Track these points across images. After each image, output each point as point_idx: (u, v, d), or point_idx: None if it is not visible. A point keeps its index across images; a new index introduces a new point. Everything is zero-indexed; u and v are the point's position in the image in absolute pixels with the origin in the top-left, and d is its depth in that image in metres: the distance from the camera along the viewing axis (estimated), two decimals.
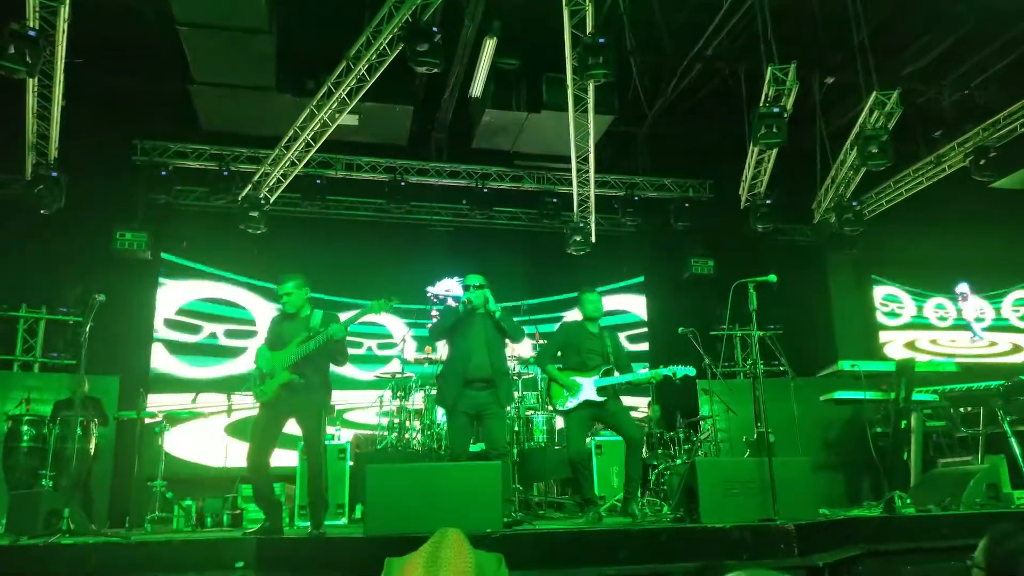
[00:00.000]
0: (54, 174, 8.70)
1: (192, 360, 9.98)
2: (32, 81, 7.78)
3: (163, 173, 9.95)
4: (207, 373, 9.90)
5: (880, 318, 11.59)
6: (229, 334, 10.13)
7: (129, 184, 9.89)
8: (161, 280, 10.17)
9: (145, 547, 4.49)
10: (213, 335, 10.15)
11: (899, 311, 11.73)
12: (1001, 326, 12.04)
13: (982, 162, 9.33)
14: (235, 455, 8.05)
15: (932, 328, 11.78)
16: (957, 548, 4.42)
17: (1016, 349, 11.91)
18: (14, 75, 7.24)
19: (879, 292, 11.70)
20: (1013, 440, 6.02)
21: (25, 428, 6.80)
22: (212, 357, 10.00)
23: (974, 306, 12.00)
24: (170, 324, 10.08)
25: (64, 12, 7.30)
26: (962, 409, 6.84)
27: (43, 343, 9.33)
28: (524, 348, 8.19)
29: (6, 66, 7.03)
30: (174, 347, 10.00)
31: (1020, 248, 11.56)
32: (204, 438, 9.41)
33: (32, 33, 7.12)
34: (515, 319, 5.83)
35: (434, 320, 8.30)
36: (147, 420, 7.69)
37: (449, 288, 10.81)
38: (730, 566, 2.05)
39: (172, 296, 10.18)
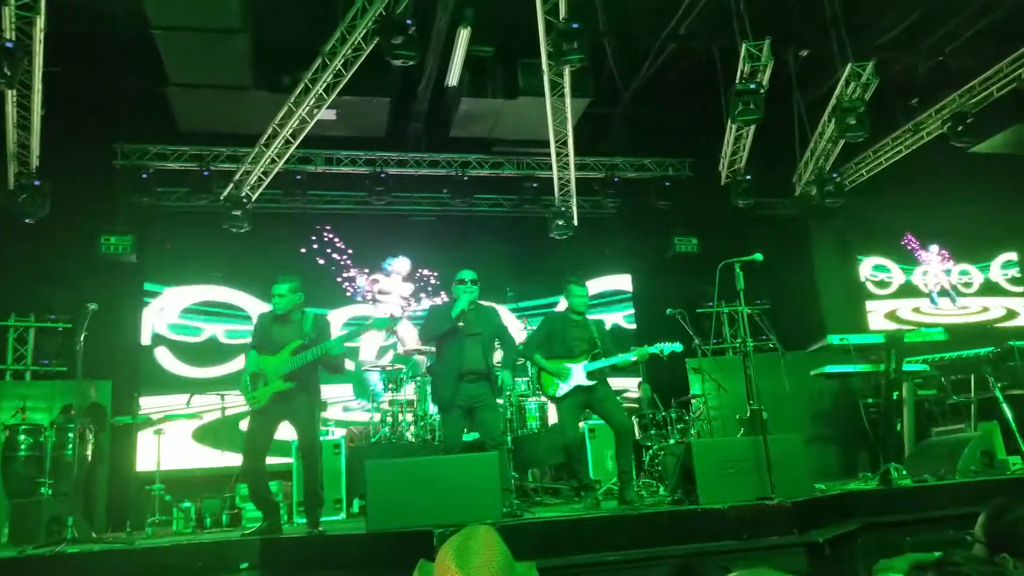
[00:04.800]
0: (37, 182, 8.58)
1: (196, 361, 9.89)
2: (11, 92, 7.65)
3: (144, 176, 9.80)
4: (211, 373, 9.78)
5: (871, 288, 11.56)
6: (229, 334, 10.00)
7: (111, 188, 9.74)
8: (157, 287, 10.02)
9: (150, 553, 4.51)
10: (214, 336, 10.04)
11: (888, 280, 11.70)
12: (992, 291, 11.99)
13: (960, 128, 9.28)
14: (230, 454, 8.00)
15: (920, 296, 11.77)
16: (955, 517, 4.43)
17: (1011, 314, 11.87)
18: None
19: (868, 263, 11.67)
20: (1005, 405, 6.03)
21: (22, 437, 6.77)
22: (215, 357, 9.89)
23: (936, 271, 11.96)
24: (173, 327, 9.98)
25: (40, 22, 7.15)
26: (953, 377, 6.85)
27: (33, 351, 9.19)
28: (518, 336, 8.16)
29: None
30: (178, 349, 9.92)
31: (1002, 212, 11.56)
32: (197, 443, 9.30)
33: (9, 45, 6.98)
34: (506, 306, 5.79)
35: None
36: (142, 424, 7.65)
37: (401, 271, 10.67)
38: (710, 566, 2.02)
39: (172, 299, 10.06)
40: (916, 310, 11.69)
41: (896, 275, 11.73)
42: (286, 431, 5.27)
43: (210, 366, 9.84)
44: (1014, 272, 12.06)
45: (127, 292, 9.82)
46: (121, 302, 9.57)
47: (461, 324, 5.27)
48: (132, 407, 7.95)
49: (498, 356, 5.80)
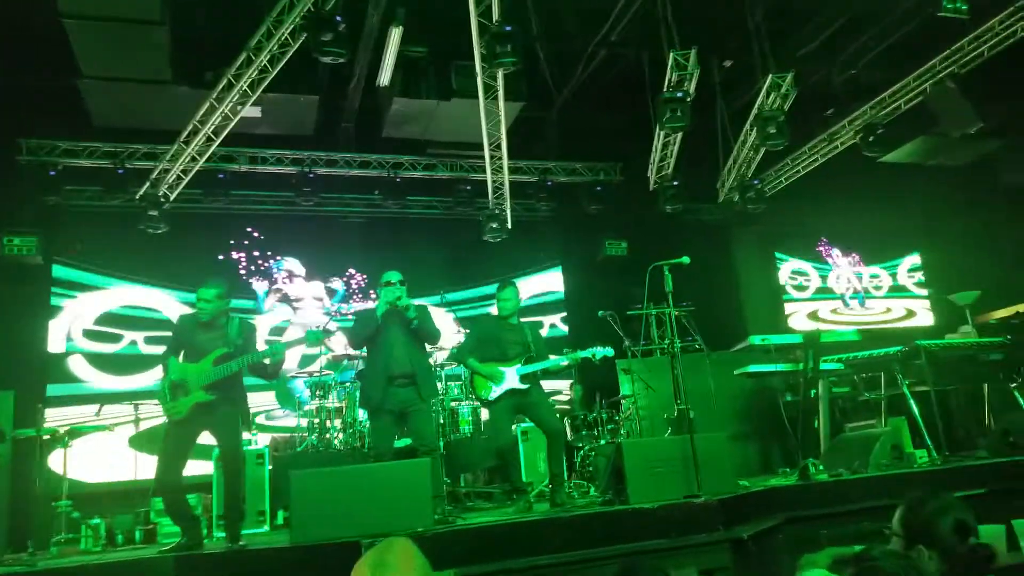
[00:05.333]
0: None
1: (114, 370, 9.38)
2: None
3: (52, 173, 9.22)
4: (131, 383, 9.28)
5: (789, 291, 11.99)
6: (150, 340, 9.53)
7: (15, 186, 9.16)
8: (65, 292, 9.48)
9: (54, 574, 4.19)
10: (134, 343, 9.55)
11: (806, 284, 12.16)
12: (898, 294, 12.59)
13: (871, 138, 9.70)
14: (144, 467, 7.63)
15: (834, 298, 12.25)
16: (868, 509, 4.61)
17: (910, 314, 12.54)
18: None
19: (787, 267, 12.10)
20: (912, 402, 6.31)
21: None
22: (134, 366, 9.39)
23: (848, 274, 12.49)
24: (89, 334, 9.45)
25: None
26: (864, 375, 7.13)
27: None
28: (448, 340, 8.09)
29: None
30: (95, 358, 9.38)
31: (909, 218, 12.20)
32: (110, 452, 8.80)
33: None
34: (441, 308, 5.72)
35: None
36: (47, 437, 7.20)
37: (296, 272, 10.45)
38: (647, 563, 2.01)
39: (88, 305, 9.53)
40: (834, 311, 12.19)
41: (813, 278, 12.22)
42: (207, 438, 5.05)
43: (129, 375, 9.38)
44: (919, 275, 12.72)
45: (32, 297, 9.29)
46: (26, 307, 9.10)
47: (397, 307, 5.15)
48: (36, 419, 7.50)
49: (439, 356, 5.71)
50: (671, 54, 8.54)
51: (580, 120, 11.05)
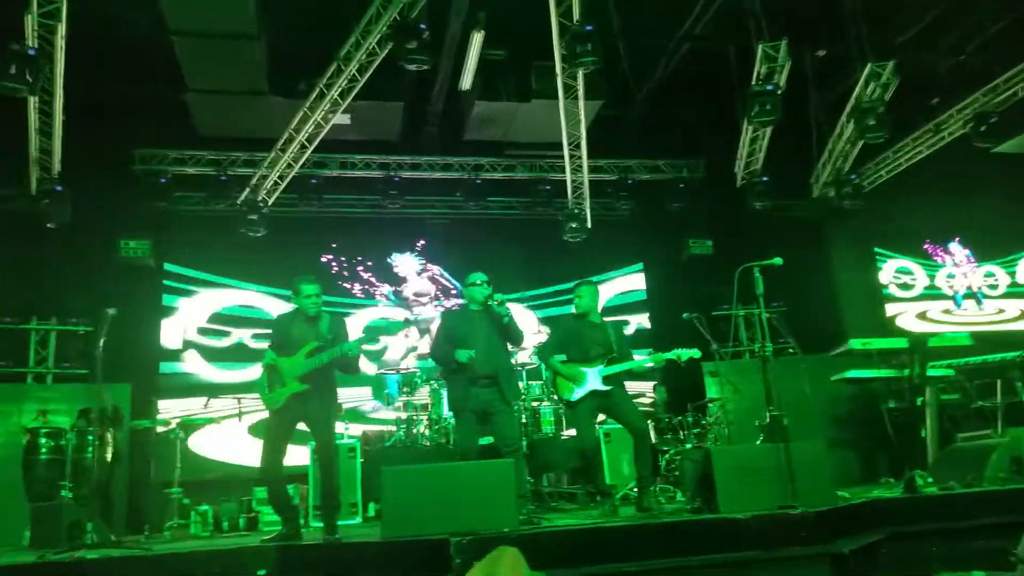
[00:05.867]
0: (58, 188, 8.64)
1: (224, 364, 9.97)
2: (33, 99, 7.70)
3: (162, 181, 9.82)
4: (240, 376, 9.79)
5: (893, 291, 11.35)
6: (256, 337, 10.02)
7: (130, 193, 9.77)
8: (176, 290, 10.08)
9: (167, 559, 4.42)
10: (241, 340, 10.09)
11: (912, 283, 11.47)
12: (1018, 288, 11.74)
13: (983, 128, 9.09)
14: (248, 457, 7.99)
15: (944, 298, 11.54)
16: (984, 527, 4.28)
17: None
18: (16, 95, 7.18)
19: (891, 265, 11.45)
20: None
21: (43, 440, 6.76)
22: (242, 360, 9.91)
23: (961, 273, 11.72)
24: (202, 331, 10.07)
25: (62, 29, 7.20)
26: (977, 381, 6.67)
27: (55, 354, 9.25)
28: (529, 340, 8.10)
29: (8, 86, 6.95)
30: (208, 353, 10.01)
31: None
32: (217, 442, 9.31)
33: (32, 52, 7.01)
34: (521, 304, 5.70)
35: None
36: (162, 428, 7.65)
37: (405, 268, 10.61)
38: None
39: (200, 304, 10.15)
40: (946, 312, 11.46)
41: (919, 277, 11.51)
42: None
43: (238, 369, 9.88)
44: None
45: (146, 296, 9.87)
46: (139, 306, 9.61)
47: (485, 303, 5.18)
48: (150, 411, 7.94)
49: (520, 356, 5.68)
50: (760, 46, 8.25)
51: (661, 116, 10.82)
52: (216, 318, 10.12)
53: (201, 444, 9.26)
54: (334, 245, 10.57)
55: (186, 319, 10.04)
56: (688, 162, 11.12)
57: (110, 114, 9.35)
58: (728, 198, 10.43)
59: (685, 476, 6.66)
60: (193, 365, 9.93)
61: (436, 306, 10.49)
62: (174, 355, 9.90)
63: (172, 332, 9.97)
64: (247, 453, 8.06)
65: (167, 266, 10.06)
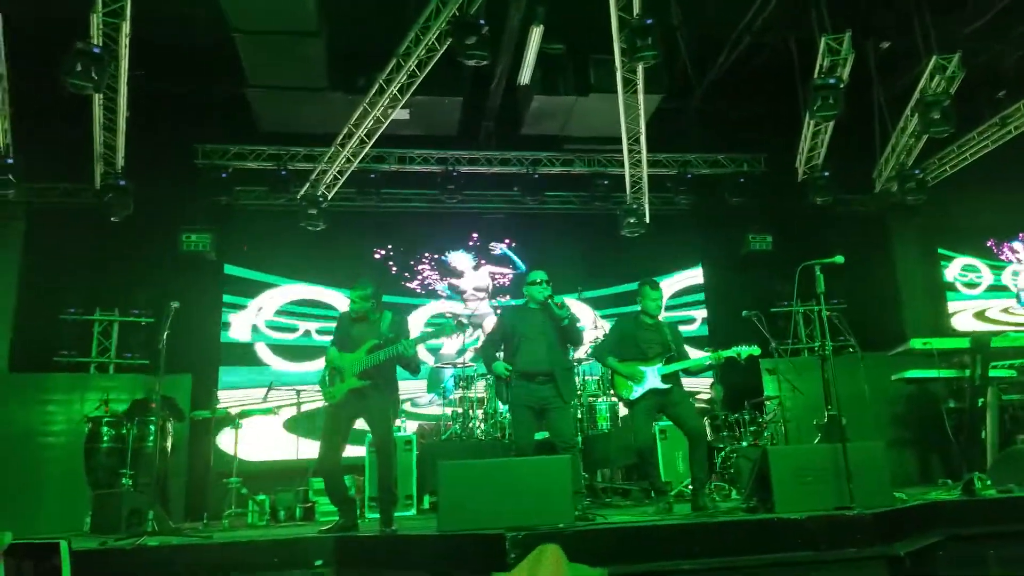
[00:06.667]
0: (122, 182, 8.96)
1: (291, 357, 10.31)
2: (98, 96, 7.98)
3: (223, 175, 10.12)
4: (307, 368, 10.13)
5: (959, 288, 11.11)
6: (321, 331, 10.31)
7: (192, 187, 10.09)
8: (242, 291, 10.44)
9: (228, 548, 4.56)
10: (308, 333, 10.41)
11: (977, 280, 11.22)
12: None
13: None
14: (305, 448, 8.22)
15: (1006, 296, 11.22)
16: None
17: None
18: (83, 92, 7.47)
19: (958, 263, 11.21)
20: None
21: (105, 429, 6.87)
22: (308, 353, 10.23)
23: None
24: (271, 325, 10.41)
25: (126, 27, 7.49)
26: None
27: (117, 344, 9.62)
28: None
29: (75, 83, 7.25)
30: (276, 347, 10.35)
31: None
32: (275, 432, 9.61)
33: (97, 50, 7.30)
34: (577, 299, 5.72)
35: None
36: (220, 418, 7.89)
37: (461, 264, 10.77)
38: None
39: (268, 300, 10.48)
40: (1006, 311, 11.16)
41: (985, 274, 11.23)
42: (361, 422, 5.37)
43: (304, 361, 10.21)
44: None
45: (206, 289, 10.18)
46: (201, 298, 9.89)
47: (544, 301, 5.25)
48: (210, 401, 8.19)
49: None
50: (823, 39, 8.15)
51: (722, 110, 10.79)
52: (283, 312, 10.43)
53: (257, 437, 9.55)
54: (391, 242, 10.78)
55: (255, 313, 10.38)
56: (748, 156, 11.05)
57: (173, 110, 9.73)
58: (789, 193, 10.35)
59: (741, 474, 6.68)
60: (264, 357, 10.26)
61: (490, 304, 10.63)
62: (243, 348, 10.20)
63: (242, 326, 10.31)
64: (302, 447, 8.28)
65: (228, 269, 10.36)
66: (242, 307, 10.34)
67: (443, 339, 6.33)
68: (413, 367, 5.29)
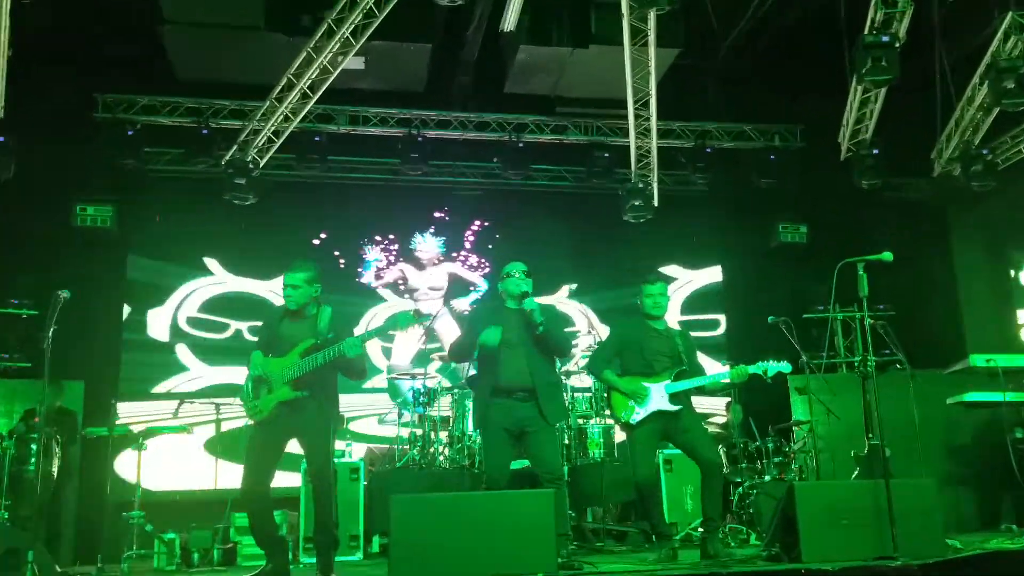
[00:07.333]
0: (1, 138, 8.82)
1: (217, 361, 10.32)
2: None
3: (130, 133, 10.00)
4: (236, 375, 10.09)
5: None
6: (252, 331, 10.24)
7: (90, 147, 9.96)
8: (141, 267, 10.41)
9: None
10: (239, 332, 10.44)
11: None
12: None
13: None
14: (225, 475, 8.18)
15: None
16: None
17: None
18: None
19: None
20: None
21: None
22: (241, 356, 10.16)
23: None
24: (192, 322, 10.40)
25: None
26: None
27: None
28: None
29: None
30: (199, 347, 10.35)
31: None
32: (188, 456, 9.55)
33: None
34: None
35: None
36: (120, 437, 7.80)
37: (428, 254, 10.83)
38: None
39: (194, 290, 10.49)
40: None
41: None
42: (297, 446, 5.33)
43: (237, 365, 10.13)
44: None
45: (106, 273, 10.10)
46: (98, 285, 9.77)
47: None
48: (108, 415, 8.12)
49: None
50: None
51: (750, 72, 10.87)
52: (210, 307, 10.47)
53: (166, 462, 9.47)
54: (337, 221, 10.79)
55: (175, 309, 10.39)
56: (781, 128, 11.19)
57: (67, 50, 9.59)
58: (829, 174, 10.50)
59: (761, 515, 6.77)
60: (185, 360, 10.29)
61: (446, 307, 10.64)
62: (160, 347, 10.20)
63: (160, 323, 10.30)
64: (221, 475, 8.22)
65: (133, 251, 10.32)
66: (156, 300, 10.31)
67: (398, 332, 6.27)
68: (358, 371, 5.26)
